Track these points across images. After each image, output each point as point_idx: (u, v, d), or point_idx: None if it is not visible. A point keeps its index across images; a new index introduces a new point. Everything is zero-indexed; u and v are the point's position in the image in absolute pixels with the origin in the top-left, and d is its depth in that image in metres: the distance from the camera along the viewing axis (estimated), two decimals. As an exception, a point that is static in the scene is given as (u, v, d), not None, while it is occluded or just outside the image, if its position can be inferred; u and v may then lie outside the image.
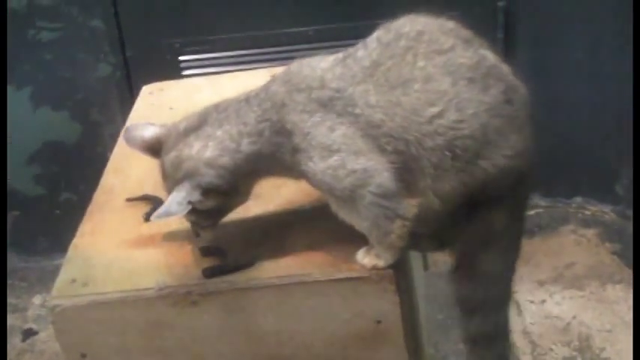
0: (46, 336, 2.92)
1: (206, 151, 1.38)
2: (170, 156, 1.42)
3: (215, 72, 2.49)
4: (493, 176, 1.35)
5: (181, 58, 3.00)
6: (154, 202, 1.62)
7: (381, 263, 1.39)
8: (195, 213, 1.40)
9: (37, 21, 2.93)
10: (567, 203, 3.22)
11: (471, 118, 1.33)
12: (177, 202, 1.35)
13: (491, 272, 1.47)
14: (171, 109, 2.01)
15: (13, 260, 3.25)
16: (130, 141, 1.50)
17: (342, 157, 1.33)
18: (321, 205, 1.44)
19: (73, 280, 1.45)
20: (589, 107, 3.06)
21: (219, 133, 1.40)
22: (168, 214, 1.34)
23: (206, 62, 2.97)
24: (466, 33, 1.42)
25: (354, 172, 1.33)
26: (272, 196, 1.58)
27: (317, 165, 1.35)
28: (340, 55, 1.43)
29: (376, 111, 1.33)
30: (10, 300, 3.11)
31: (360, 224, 1.39)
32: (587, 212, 3.19)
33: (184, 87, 2.18)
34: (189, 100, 2.01)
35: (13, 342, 2.93)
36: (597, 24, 2.92)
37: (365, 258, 1.40)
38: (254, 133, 1.39)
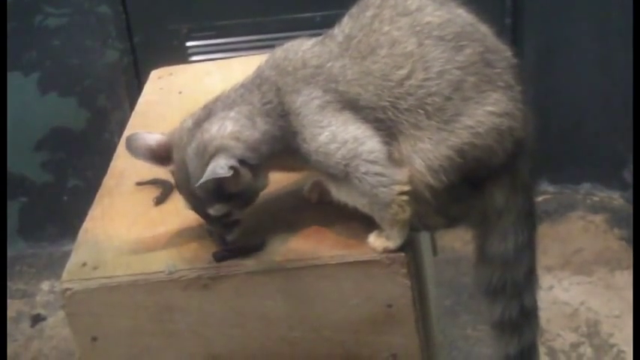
0: (54, 321, 2.92)
1: (227, 128, 1.37)
2: (191, 148, 1.38)
3: (222, 57, 2.48)
4: (482, 137, 1.35)
5: (188, 44, 2.99)
6: (164, 186, 1.62)
7: (391, 245, 1.39)
8: (225, 202, 1.38)
9: (44, 7, 2.92)
10: (575, 189, 3.21)
11: (438, 75, 1.34)
12: (219, 165, 1.31)
13: (503, 253, 1.47)
14: (180, 93, 2.01)
15: (21, 246, 3.25)
16: (134, 151, 1.46)
17: (332, 131, 1.36)
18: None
19: (84, 264, 1.45)
20: (597, 94, 3.05)
21: (232, 114, 1.39)
22: (214, 174, 1.30)
23: (213, 48, 2.96)
24: None
25: (345, 142, 1.35)
26: (281, 179, 1.57)
27: (310, 145, 1.37)
28: (320, 36, 1.46)
29: (353, 84, 1.36)
30: (19, 286, 3.12)
31: (361, 201, 1.39)
32: (596, 198, 3.18)
33: (194, 71, 2.17)
34: (199, 84, 2.01)
35: (22, 327, 2.93)
36: (606, 10, 2.91)
37: (376, 241, 1.40)
38: (263, 113, 1.39)
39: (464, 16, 1.41)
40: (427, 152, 1.34)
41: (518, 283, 1.50)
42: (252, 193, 1.42)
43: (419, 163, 1.35)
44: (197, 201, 1.39)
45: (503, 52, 1.42)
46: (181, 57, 2.96)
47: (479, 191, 1.42)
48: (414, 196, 1.37)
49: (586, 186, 3.20)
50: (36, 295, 3.08)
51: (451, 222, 1.48)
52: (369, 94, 1.36)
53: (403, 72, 1.35)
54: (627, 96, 2.94)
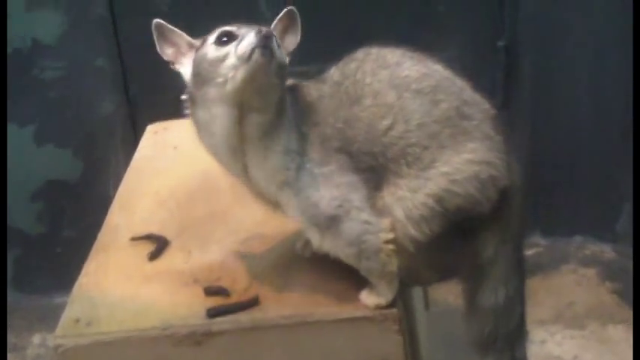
0: (44, 375, 2.90)
1: None
2: None
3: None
4: (460, 185, 1.37)
5: (183, 97, 3.01)
6: (159, 242, 1.63)
7: (383, 301, 1.40)
8: None
9: (42, 60, 2.95)
10: (567, 242, 3.22)
11: (417, 128, 1.38)
12: None
13: (494, 305, 1.48)
14: (175, 148, 2.03)
15: (13, 298, 3.23)
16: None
17: (331, 170, 1.40)
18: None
19: (77, 320, 1.45)
20: (588, 147, 3.07)
21: None
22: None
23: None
24: (417, 54, 1.48)
25: (339, 185, 1.38)
26: (274, 235, 1.59)
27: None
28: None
29: (347, 125, 1.41)
30: (10, 339, 3.09)
31: (347, 251, 1.40)
32: (587, 251, 3.19)
33: (189, 126, 2.18)
34: (193, 140, 2.02)
35: (12, 381, 2.91)
36: (596, 64, 2.94)
37: (368, 298, 1.41)
38: None
39: (440, 71, 1.46)
40: (406, 201, 1.37)
41: (509, 335, 1.51)
42: None
43: (399, 213, 1.37)
44: None
45: (481, 104, 1.45)
46: (176, 109, 2.97)
47: (467, 243, 1.44)
48: (400, 249, 1.38)
49: (578, 239, 3.22)
50: (27, 349, 3.06)
51: (441, 276, 1.50)
52: (362, 138, 1.40)
53: (387, 122, 1.39)
54: (620, 149, 2.98)
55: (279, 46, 1.35)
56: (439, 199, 1.36)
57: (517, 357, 1.53)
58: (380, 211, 1.39)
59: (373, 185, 1.40)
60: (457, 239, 1.42)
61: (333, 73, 1.48)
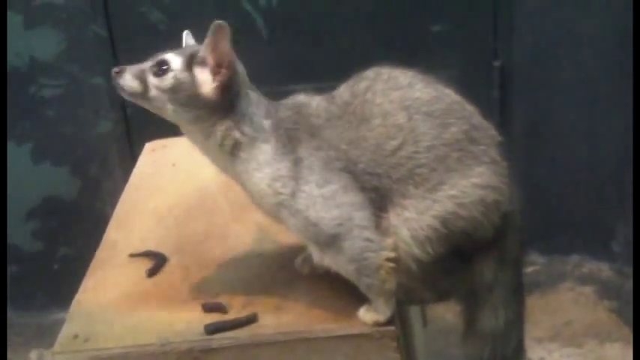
0: (41, 392, 2.90)
1: None
2: None
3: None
4: (467, 208, 1.38)
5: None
6: (157, 258, 1.63)
7: (381, 318, 1.41)
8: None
9: (39, 78, 2.96)
10: (565, 261, 3.23)
11: (426, 150, 1.39)
12: None
13: (494, 328, 1.48)
14: (173, 165, 2.03)
15: (10, 315, 3.22)
16: None
17: (333, 190, 1.40)
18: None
19: (76, 336, 1.45)
20: (585, 166, 3.08)
21: None
22: None
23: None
24: (428, 77, 1.48)
25: (342, 204, 1.39)
26: (272, 252, 1.59)
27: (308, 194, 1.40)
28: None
29: (353, 146, 1.41)
30: (7, 355, 3.08)
31: (348, 267, 1.41)
32: (584, 270, 3.19)
33: (187, 144, 2.19)
34: (192, 157, 2.03)
35: (8, 398, 2.90)
36: (592, 83, 2.96)
37: (366, 315, 1.42)
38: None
39: (451, 95, 1.47)
40: (412, 222, 1.38)
41: (506, 357, 1.51)
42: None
43: (405, 234, 1.38)
44: None
45: (488, 129, 1.46)
46: (172, 127, 2.98)
47: (467, 265, 1.45)
48: (402, 268, 1.39)
49: (575, 257, 3.22)
50: (24, 365, 3.06)
51: (440, 296, 1.50)
52: (366, 159, 1.40)
53: (395, 143, 1.39)
54: (615, 169, 2.99)
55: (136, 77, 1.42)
56: (445, 221, 1.37)
57: None
58: (384, 231, 1.39)
59: (377, 206, 1.40)
60: (458, 261, 1.43)
61: (343, 92, 1.48)
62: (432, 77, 1.49)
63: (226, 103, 1.41)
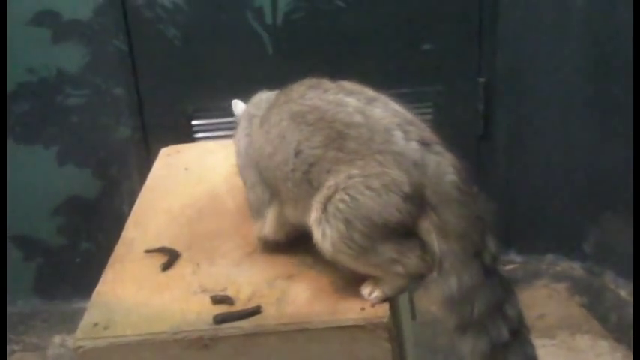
0: (64, 374, 2.89)
1: None
2: None
3: (223, 136, 2.51)
4: (356, 199, 1.34)
5: (194, 122, 3.03)
6: (171, 254, 1.63)
7: (380, 294, 1.42)
8: None
9: (66, 88, 2.96)
10: (540, 259, 3.22)
11: (293, 156, 1.42)
12: None
13: (447, 294, 1.37)
14: (186, 169, 2.03)
15: (35, 303, 3.23)
16: None
17: None
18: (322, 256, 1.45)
19: (96, 324, 1.45)
20: (560, 174, 3.08)
21: None
22: None
23: (214, 127, 2.99)
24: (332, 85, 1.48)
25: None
26: (276, 248, 1.59)
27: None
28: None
29: (255, 149, 1.56)
30: (33, 339, 3.08)
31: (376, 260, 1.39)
32: (558, 268, 3.19)
33: (198, 150, 2.20)
34: (203, 162, 2.04)
35: (33, 378, 2.90)
36: (568, 98, 2.96)
37: (366, 288, 1.43)
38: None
39: (349, 104, 1.42)
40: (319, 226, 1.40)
41: (484, 323, 1.42)
42: None
43: (319, 237, 1.40)
44: None
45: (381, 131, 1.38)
46: (187, 134, 2.99)
47: (414, 241, 1.38)
48: (344, 263, 1.41)
49: (550, 257, 3.22)
50: (48, 349, 3.04)
51: (408, 276, 1.42)
52: (262, 163, 1.52)
53: (270, 150, 1.48)
54: (587, 177, 2.99)
55: None
56: (345, 220, 1.35)
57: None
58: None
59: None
60: (401, 242, 1.38)
61: (281, 91, 1.57)
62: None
63: None
